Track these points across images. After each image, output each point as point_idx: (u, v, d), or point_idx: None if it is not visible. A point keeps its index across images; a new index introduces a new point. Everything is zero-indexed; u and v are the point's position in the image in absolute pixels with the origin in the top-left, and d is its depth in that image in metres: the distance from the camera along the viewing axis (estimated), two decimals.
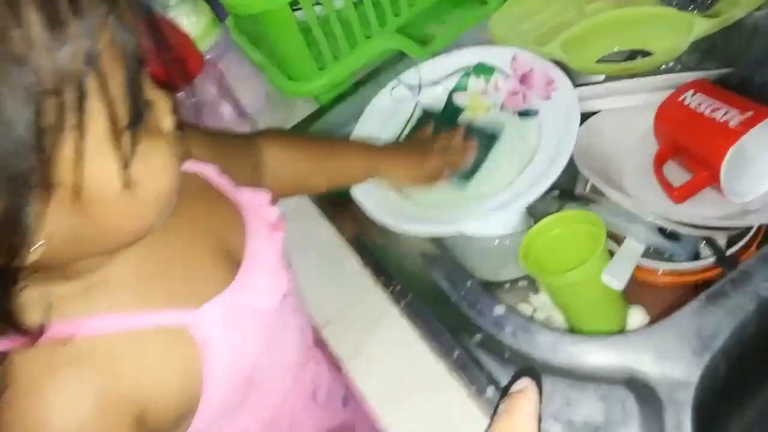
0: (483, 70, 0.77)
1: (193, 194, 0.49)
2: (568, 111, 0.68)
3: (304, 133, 0.81)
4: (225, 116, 0.76)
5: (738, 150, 0.61)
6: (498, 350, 0.58)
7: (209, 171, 0.52)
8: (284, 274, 0.52)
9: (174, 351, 0.43)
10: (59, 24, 0.29)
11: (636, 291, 0.66)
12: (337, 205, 0.73)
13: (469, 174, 0.71)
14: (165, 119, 0.38)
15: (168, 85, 0.40)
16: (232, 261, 0.49)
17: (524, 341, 0.58)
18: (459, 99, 0.79)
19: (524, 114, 0.72)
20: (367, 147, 0.71)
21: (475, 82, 0.78)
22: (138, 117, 0.34)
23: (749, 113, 0.61)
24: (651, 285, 0.71)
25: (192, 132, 0.54)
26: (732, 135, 0.61)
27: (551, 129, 0.69)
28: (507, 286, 0.79)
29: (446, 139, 0.71)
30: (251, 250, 0.50)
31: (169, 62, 0.67)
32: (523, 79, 0.73)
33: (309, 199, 0.74)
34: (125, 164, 0.33)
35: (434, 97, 0.80)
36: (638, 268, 0.68)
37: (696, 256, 0.69)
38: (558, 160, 0.65)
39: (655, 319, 0.72)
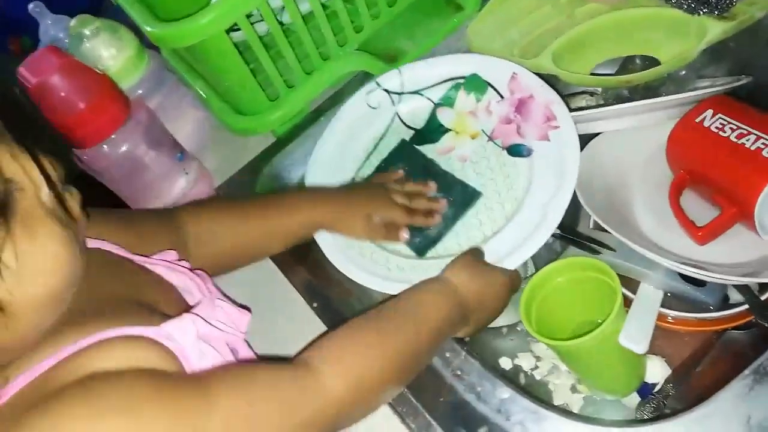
0: (475, 85, 0.65)
1: (106, 268, 0.43)
2: (566, 159, 0.57)
3: (239, 196, 0.70)
4: (161, 163, 0.64)
5: None
6: None
7: (117, 250, 0.46)
8: (239, 311, 0.47)
9: (149, 356, 0.37)
10: None
11: (653, 338, 0.57)
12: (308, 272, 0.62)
13: (429, 243, 0.60)
14: (43, 192, 0.32)
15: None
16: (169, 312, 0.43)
17: None
18: (444, 116, 0.67)
19: (515, 152, 0.61)
20: (310, 198, 0.61)
21: (464, 99, 0.66)
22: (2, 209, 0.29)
23: None
24: (670, 330, 0.62)
25: (99, 216, 0.45)
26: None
27: (543, 179, 0.58)
28: (505, 331, 0.70)
29: (415, 194, 0.62)
30: (194, 296, 0.47)
31: (89, 108, 0.56)
32: (520, 107, 0.62)
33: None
34: None
35: (417, 110, 0.68)
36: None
37: (725, 298, 0.60)
38: (547, 219, 0.55)
39: (677, 371, 0.63)
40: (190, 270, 0.50)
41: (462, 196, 0.61)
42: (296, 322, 0.59)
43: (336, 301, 0.59)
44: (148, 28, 0.57)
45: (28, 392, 0.33)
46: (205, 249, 0.54)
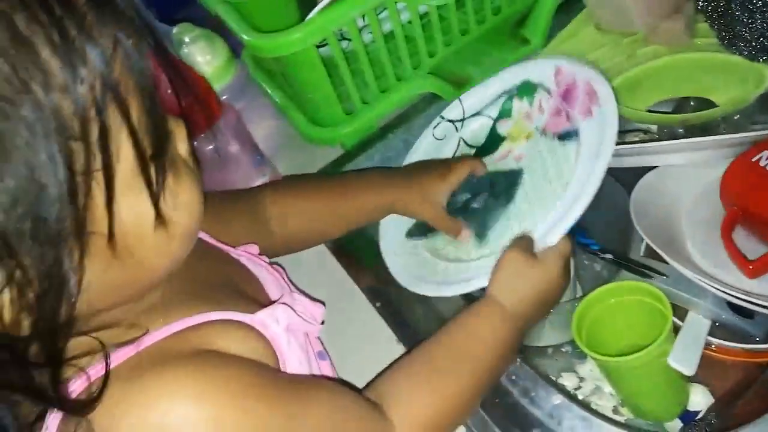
0: (526, 90, 0.68)
1: (200, 254, 0.45)
2: (604, 134, 0.57)
3: (314, 175, 0.75)
4: (243, 163, 0.69)
5: None
6: None
7: (207, 237, 0.51)
8: (313, 304, 0.51)
9: (249, 341, 0.41)
10: (74, 56, 0.27)
11: (699, 367, 0.59)
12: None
13: (484, 229, 0.63)
14: (182, 146, 0.37)
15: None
16: (255, 302, 0.47)
17: None
18: (503, 127, 0.70)
19: (564, 137, 0.62)
20: (382, 180, 0.64)
21: (519, 105, 0.69)
22: (163, 147, 0.32)
23: None
24: (715, 360, 0.64)
25: None
26: None
27: (586, 157, 0.58)
28: (550, 351, 0.72)
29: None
30: (272, 290, 0.50)
31: (188, 104, 0.61)
32: (566, 95, 0.64)
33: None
34: (156, 201, 0.33)
35: (478, 129, 0.71)
36: None
37: None
38: (581, 197, 0.55)
39: (720, 400, 0.65)
40: (270, 264, 0.54)
41: (505, 181, 0.64)
42: (360, 321, 0.63)
43: (397, 302, 0.63)
44: (247, 38, 0.62)
45: (154, 349, 0.36)
46: (289, 226, 0.58)
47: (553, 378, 0.69)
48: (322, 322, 0.51)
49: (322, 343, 0.54)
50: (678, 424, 0.64)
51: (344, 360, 0.57)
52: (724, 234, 0.62)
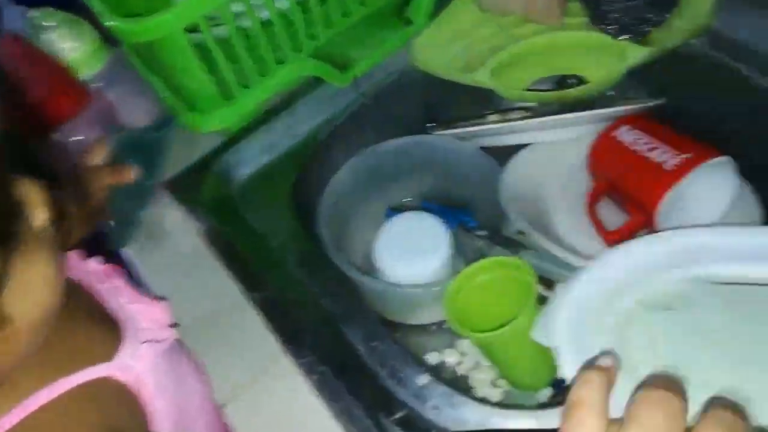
0: None
1: None
2: None
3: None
4: None
5: (675, 194, 0.56)
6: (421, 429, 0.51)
7: None
8: (157, 304, 0.49)
9: (109, 400, 0.39)
10: None
11: None
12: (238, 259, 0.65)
13: None
14: (39, 215, 0.31)
15: (38, 129, 0.33)
16: (110, 320, 0.45)
17: (450, 418, 0.51)
18: None
19: None
20: None
21: None
22: (7, 229, 0.27)
23: (688, 155, 0.56)
24: None
25: None
26: (668, 178, 0.56)
27: None
28: (434, 328, 0.73)
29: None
30: (119, 304, 0.47)
31: (42, 95, 0.59)
32: None
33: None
34: None
35: None
36: None
37: None
38: None
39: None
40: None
41: None
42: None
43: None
44: (108, 22, 0.60)
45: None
46: None
47: (437, 353, 0.70)
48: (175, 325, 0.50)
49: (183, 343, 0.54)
50: (549, 391, 0.66)
51: (220, 360, 0.57)
52: (589, 207, 0.64)
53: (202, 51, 0.66)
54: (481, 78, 0.71)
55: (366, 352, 0.56)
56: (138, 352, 0.43)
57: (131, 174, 0.59)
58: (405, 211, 0.72)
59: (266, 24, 0.69)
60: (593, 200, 0.63)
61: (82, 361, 0.39)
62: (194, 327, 0.59)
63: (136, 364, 0.42)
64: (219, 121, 0.71)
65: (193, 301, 0.62)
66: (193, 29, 0.64)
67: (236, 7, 0.67)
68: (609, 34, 0.67)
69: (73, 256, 0.49)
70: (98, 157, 0.57)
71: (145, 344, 0.44)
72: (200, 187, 0.71)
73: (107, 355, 0.41)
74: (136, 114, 0.75)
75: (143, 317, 0.47)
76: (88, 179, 0.55)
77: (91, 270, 0.49)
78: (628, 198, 0.61)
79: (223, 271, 0.64)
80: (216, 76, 0.69)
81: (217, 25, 0.69)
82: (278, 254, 0.65)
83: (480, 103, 0.84)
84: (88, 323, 0.44)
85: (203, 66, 0.67)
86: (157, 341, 0.46)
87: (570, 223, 0.65)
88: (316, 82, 0.76)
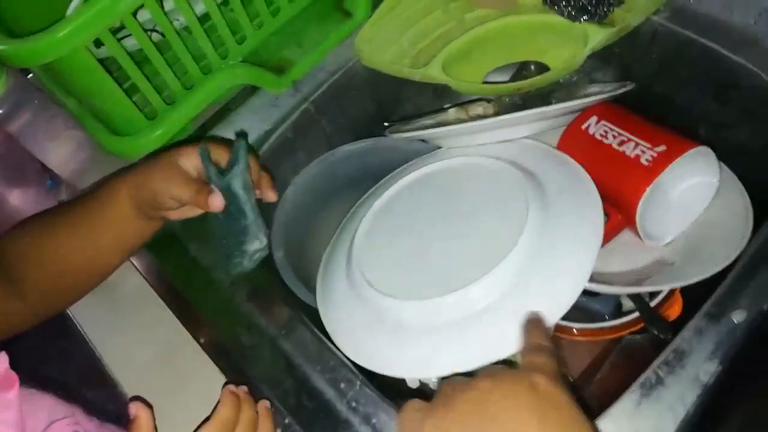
0: None
1: None
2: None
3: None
4: (27, 192, 0.58)
5: (655, 190, 0.51)
6: None
7: None
8: None
9: None
10: None
11: None
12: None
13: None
14: None
15: None
16: None
17: None
18: None
19: None
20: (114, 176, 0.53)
21: None
22: None
23: (662, 147, 0.51)
24: (567, 341, 0.61)
25: None
26: (646, 175, 0.51)
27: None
28: None
29: None
30: None
31: None
32: None
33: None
34: None
35: None
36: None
37: (618, 306, 0.60)
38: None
39: (578, 381, 0.63)
40: None
41: None
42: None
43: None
44: None
45: None
46: (36, 272, 0.49)
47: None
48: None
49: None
50: None
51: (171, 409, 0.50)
52: None
53: (115, 67, 0.58)
54: (433, 72, 0.64)
55: (335, 397, 0.50)
56: None
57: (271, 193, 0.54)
58: None
59: (185, 30, 0.61)
60: None
61: None
62: (142, 373, 0.53)
63: None
64: (145, 143, 0.63)
65: (139, 345, 0.56)
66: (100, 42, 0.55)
67: (144, 16, 0.58)
68: (564, 16, 0.61)
69: None
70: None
71: None
72: None
73: None
74: (53, 142, 0.66)
75: None
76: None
77: None
78: (604, 197, 0.56)
79: (167, 311, 0.57)
80: (136, 96, 0.61)
81: (125, 37, 0.60)
82: (226, 289, 0.58)
83: (436, 96, 0.78)
84: None
85: (116, 86, 0.59)
86: None
87: None
88: (252, 90, 0.68)
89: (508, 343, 0.43)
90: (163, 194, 0.49)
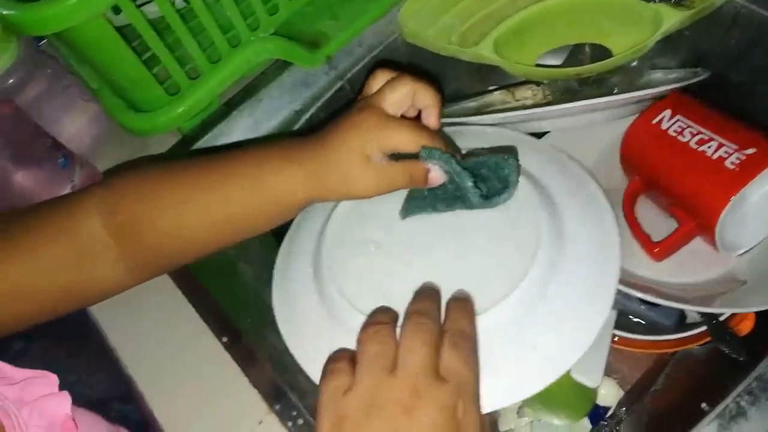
0: None
1: None
2: None
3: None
4: (38, 169, 0.53)
5: (738, 199, 0.46)
6: None
7: None
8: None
9: None
10: None
11: None
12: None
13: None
14: None
15: None
16: None
17: None
18: None
19: None
20: (287, 151, 0.43)
21: None
22: None
23: (751, 150, 0.45)
24: (619, 350, 0.56)
25: None
26: (733, 181, 0.45)
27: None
28: None
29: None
30: None
31: None
32: None
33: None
34: None
35: None
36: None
37: (681, 317, 0.55)
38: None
39: (630, 393, 0.59)
40: None
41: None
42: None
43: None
44: (3, 11, 0.46)
45: None
46: (145, 240, 0.42)
47: None
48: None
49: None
50: (587, 424, 0.57)
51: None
52: (626, 209, 0.53)
53: (134, 36, 0.53)
54: (485, 52, 0.58)
55: None
56: None
57: None
58: None
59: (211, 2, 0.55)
60: (630, 201, 0.53)
61: None
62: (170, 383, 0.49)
63: None
64: (166, 121, 0.58)
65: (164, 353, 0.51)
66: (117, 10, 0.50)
67: None
68: None
69: None
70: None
71: None
72: None
73: None
74: (67, 115, 0.61)
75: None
76: None
77: None
78: (675, 200, 0.50)
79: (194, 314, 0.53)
80: (157, 68, 0.56)
81: (145, 3, 0.55)
82: (253, 288, 0.53)
83: (480, 77, 0.71)
84: None
85: (135, 58, 0.53)
86: None
87: None
88: (284, 65, 0.62)
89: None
90: (354, 197, 0.42)
